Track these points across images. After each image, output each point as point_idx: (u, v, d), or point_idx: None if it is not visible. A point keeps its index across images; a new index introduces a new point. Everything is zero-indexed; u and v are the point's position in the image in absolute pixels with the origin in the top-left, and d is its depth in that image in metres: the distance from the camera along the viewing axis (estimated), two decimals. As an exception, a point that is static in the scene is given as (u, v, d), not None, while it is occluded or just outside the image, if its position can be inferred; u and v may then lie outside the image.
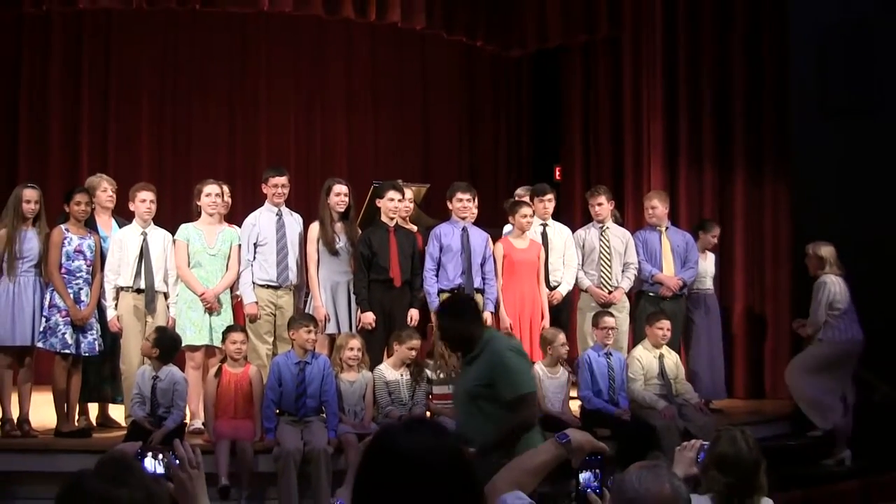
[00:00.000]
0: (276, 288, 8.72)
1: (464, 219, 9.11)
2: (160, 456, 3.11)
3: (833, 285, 9.39)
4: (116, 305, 8.51)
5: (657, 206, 9.98)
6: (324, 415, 8.11)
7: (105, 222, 8.93)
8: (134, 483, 2.44)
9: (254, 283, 8.70)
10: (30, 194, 8.27)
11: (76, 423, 8.42)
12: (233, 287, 8.80)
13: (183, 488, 3.09)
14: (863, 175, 9.98)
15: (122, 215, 9.08)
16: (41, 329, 8.12)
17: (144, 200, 8.64)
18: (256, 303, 8.65)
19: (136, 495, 2.41)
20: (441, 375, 8.55)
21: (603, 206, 9.76)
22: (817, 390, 9.46)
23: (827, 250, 9.48)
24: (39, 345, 8.16)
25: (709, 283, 10.29)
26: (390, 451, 2.42)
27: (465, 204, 9.11)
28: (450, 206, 9.21)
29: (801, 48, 10.21)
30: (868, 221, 9.86)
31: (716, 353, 10.20)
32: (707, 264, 10.30)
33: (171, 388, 7.91)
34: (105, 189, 8.94)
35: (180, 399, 7.95)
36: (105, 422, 8.89)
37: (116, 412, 8.93)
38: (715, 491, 4.40)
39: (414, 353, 8.39)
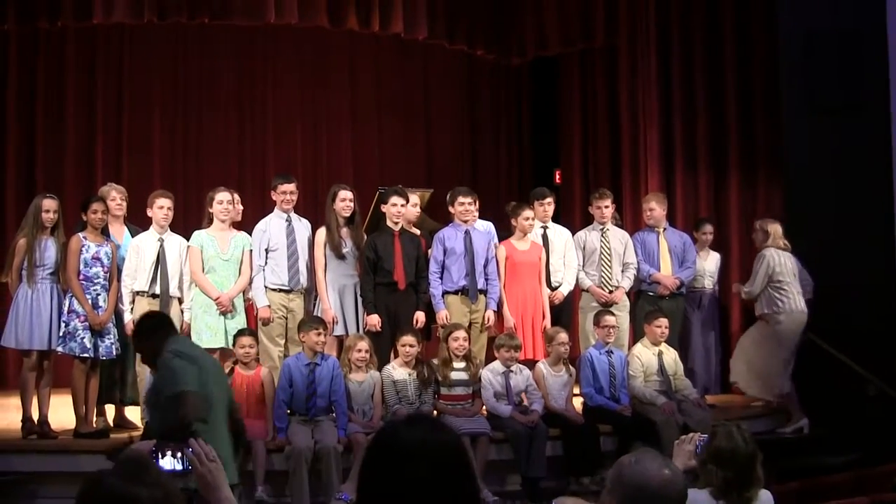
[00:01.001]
0: (287, 292, 8.85)
1: (466, 222, 9.23)
2: (178, 454, 3.27)
3: (772, 258, 9.69)
4: (133, 310, 8.62)
5: (655, 208, 10.13)
6: (333, 414, 8.22)
7: (117, 230, 9.06)
8: (151, 481, 2.54)
9: (266, 287, 8.84)
10: (49, 204, 8.43)
11: (94, 425, 8.53)
12: (244, 291, 8.93)
13: (205, 481, 3.25)
14: (852, 172, 10.06)
15: (136, 222, 9.23)
16: (60, 334, 8.24)
17: (162, 207, 8.81)
18: (269, 306, 8.79)
19: (155, 493, 2.50)
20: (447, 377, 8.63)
21: (609, 208, 9.93)
22: (764, 363, 9.87)
23: (773, 227, 9.84)
24: (59, 349, 8.28)
25: (706, 283, 10.44)
26: (392, 444, 2.50)
27: (466, 208, 9.23)
28: (451, 211, 9.33)
29: (790, 52, 10.24)
30: (858, 218, 10.00)
31: (710, 351, 10.40)
32: (707, 264, 10.46)
33: None
34: (114, 198, 9.06)
35: None
36: (121, 423, 8.98)
37: (132, 413, 9.04)
38: (713, 485, 4.46)
39: (409, 349, 8.47)
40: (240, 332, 8.42)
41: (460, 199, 9.28)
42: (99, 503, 2.50)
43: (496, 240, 9.57)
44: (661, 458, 3.30)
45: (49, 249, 8.37)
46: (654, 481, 3.19)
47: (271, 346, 8.77)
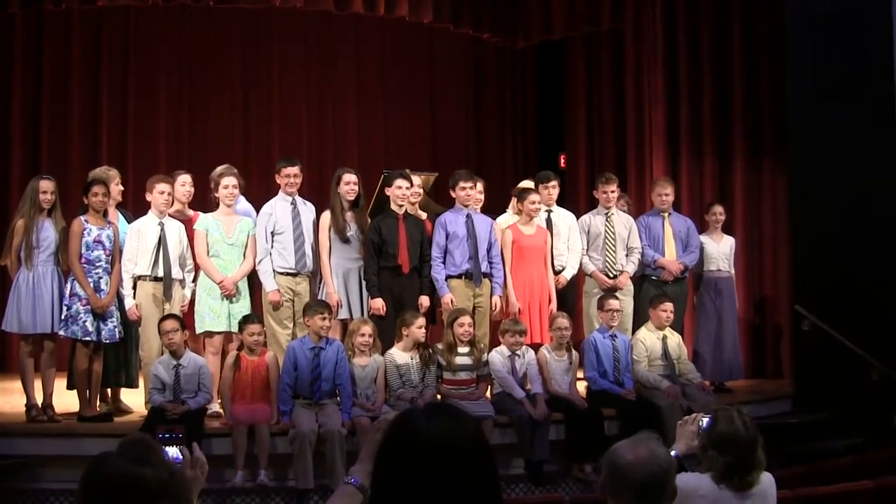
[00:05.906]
0: (294, 275, 8.82)
1: (467, 206, 9.23)
2: (179, 447, 3.18)
3: None
4: (135, 294, 8.58)
5: (670, 194, 10.17)
6: (338, 398, 8.23)
7: (111, 214, 8.96)
8: (157, 463, 2.54)
9: (273, 270, 8.82)
10: (45, 185, 8.41)
11: (98, 408, 8.53)
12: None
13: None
14: (857, 156, 10.02)
15: (141, 205, 9.18)
16: (63, 317, 8.22)
17: (162, 192, 8.75)
18: (278, 290, 8.74)
19: (160, 474, 2.50)
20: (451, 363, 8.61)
21: (615, 192, 9.92)
22: None
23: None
24: (61, 333, 8.26)
25: (722, 265, 10.35)
26: (411, 436, 2.42)
27: (467, 192, 9.22)
28: (453, 195, 9.31)
29: (795, 36, 10.21)
30: (863, 202, 9.97)
31: (729, 336, 10.30)
32: (721, 246, 10.39)
33: (197, 373, 8.07)
34: (117, 182, 9.08)
35: (206, 381, 8.12)
36: (117, 407, 8.97)
37: (131, 398, 9.06)
38: (715, 469, 4.44)
39: (422, 330, 8.48)
40: (247, 319, 8.40)
41: (461, 183, 9.26)
42: (104, 484, 2.50)
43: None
44: (647, 441, 3.34)
45: (47, 231, 8.36)
46: (627, 459, 3.25)
47: (279, 329, 8.75)
